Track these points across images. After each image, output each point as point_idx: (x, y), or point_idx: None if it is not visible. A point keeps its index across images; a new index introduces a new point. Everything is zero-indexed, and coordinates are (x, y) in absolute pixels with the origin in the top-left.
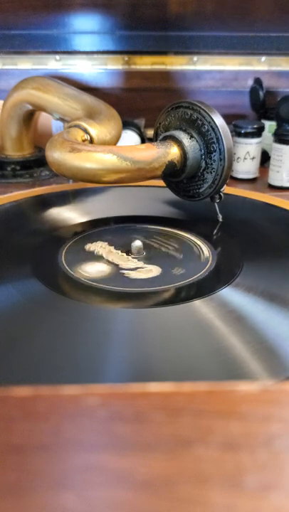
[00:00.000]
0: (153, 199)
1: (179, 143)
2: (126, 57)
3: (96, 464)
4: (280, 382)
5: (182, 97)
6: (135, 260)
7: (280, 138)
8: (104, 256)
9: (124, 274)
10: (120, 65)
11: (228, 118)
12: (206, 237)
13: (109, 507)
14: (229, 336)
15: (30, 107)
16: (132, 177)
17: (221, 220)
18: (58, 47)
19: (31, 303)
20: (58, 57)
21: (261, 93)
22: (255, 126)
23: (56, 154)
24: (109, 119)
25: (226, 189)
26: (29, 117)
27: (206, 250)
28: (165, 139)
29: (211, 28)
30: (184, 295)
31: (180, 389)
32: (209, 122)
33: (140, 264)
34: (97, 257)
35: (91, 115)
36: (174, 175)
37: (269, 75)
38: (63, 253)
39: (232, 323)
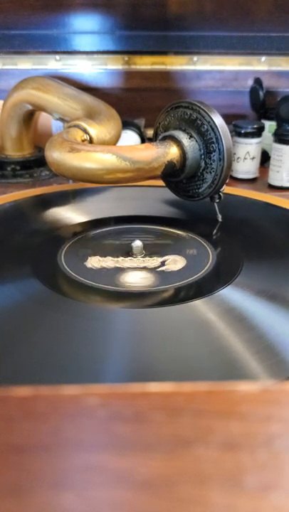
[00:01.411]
0: (153, 199)
1: (178, 143)
2: (126, 57)
3: (96, 464)
4: (280, 382)
5: (182, 97)
6: (135, 259)
7: (280, 138)
8: (107, 254)
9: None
10: (120, 65)
11: (228, 118)
12: (206, 237)
13: (109, 507)
14: (229, 335)
15: (30, 107)
16: (132, 177)
17: (220, 220)
18: (58, 47)
19: (31, 303)
20: (58, 57)
21: (261, 93)
22: (255, 126)
23: (56, 154)
24: (109, 119)
25: (226, 189)
26: (29, 117)
27: (206, 250)
28: (164, 138)
29: (211, 28)
30: (184, 295)
31: (180, 389)
32: (209, 122)
33: (142, 263)
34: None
35: (91, 115)
36: (174, 175)
37: (269, 75)
38: (63, 253)
39: (232, 323)
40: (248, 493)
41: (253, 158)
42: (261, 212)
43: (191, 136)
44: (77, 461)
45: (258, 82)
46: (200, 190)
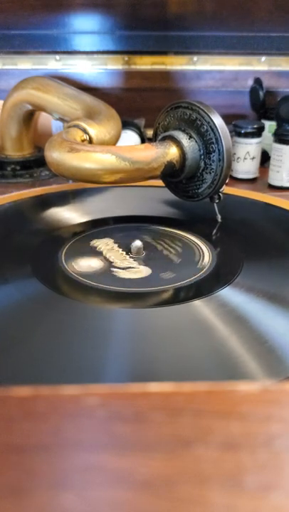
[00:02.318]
0: (153, 199)
1: (178, 143)
2: (126, 57)
3: (96, 464)
4: (280, 382)
5: (182, 97)
6: (131, 260)
7: (280, 138)
8: (104, 252)
9: (113, 272)
10: (120, 65)
11: (228, 118)
12: (206, 237)
13: (109, 507)
14: (229, 336)
15: (30, 107)
16: (131, 177)
17: (220, 220)
18: (58, 47)
19: (31, 303)
20: (58, 57)
21: (261, 93)
22: (255, 126)
23: (55, 154)
24: (109, 119)
25: (226, 189)
26: (29, 117)
27: (205, 250)
28: (164, 139)
29: (211, 28)
30: (184, 295)
31: (180, 389)
32: (208, 122)
33: (134, 264)
34: (96, 253)
35: (90, 115)
36: (173, 175)
37: (269, 75)
38: (63, 253)
39: (232, 323)
40: (248, 493)
41: (253, 158)
42: (261, 212)
43: (190, 137)
44: (77, 461)
45: (258, 82)
46: (199, 191)
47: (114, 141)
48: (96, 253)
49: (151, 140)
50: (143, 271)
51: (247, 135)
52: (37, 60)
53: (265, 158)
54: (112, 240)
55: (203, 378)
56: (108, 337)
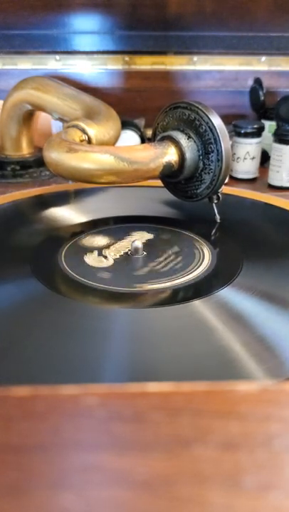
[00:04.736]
0: (152, 199)
1: (176, 143)
2: (126, 57)
3: (95, 464)
4: (279, 382)
5: (182, 97)
6: (118, 253)
7: (280, 138)
8: (120, 240)
9: (87, 252)
10: (120, 65)
11: (228, 118)
12: (206, 237)
13: (108, 507)
14: (229, 336)
15: (29, 107)
16: (130, 178)
17: (219, 220)
18: (58, 47)
19: (30, 302)
20: (58, 57)
21: (261, 93)
22: (255, 126)
23: (54, 154)
24: (108, 120)
25: (226, 189)
26: (29, 117)
27: (205, 250)
28: (163, 139)
29: (211, 28)
30: (183, 295)
31: (179, 389)
32: (207, 123)
33: (112, 257)
34: (119, 239)
35: (90, 115)
36: (172, 175)
37: (269, 75)
38: (63, 253)
39: (231, 323)
40: (247, 493)
41: (253, 158)
42: (261, 212)
43: (189, 137)
44: (76, 461)
45: (258, 82)
46: (198, 191)
47: (113, 141)
48: (119, 239)
49: (150, 140)
50: (104, 264)
51: (247, 135)
52: (37, 60)
53: (265, 158)
54: (147, 235)
55: (203, 378)
56: (107, 336)
